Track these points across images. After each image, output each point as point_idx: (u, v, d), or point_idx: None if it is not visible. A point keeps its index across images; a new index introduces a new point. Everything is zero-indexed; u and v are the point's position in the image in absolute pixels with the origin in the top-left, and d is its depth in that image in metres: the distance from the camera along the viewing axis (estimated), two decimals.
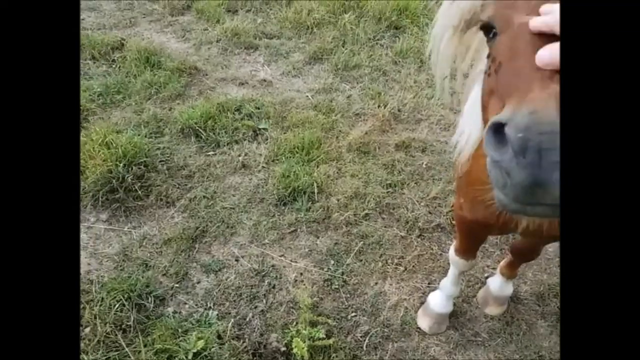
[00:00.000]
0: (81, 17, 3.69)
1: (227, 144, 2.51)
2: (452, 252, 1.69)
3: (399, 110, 2.95)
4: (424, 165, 2.59)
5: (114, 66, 3.06)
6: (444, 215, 2.31)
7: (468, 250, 1.62)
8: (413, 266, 2.09)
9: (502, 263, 1.84)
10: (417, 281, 2.04)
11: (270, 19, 3.68)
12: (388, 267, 2.07)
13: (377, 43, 3.53)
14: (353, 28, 3.55)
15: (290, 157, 2.47)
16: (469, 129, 1.17)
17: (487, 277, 2.02)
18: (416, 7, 3.87)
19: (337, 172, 2.47)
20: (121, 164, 2.16)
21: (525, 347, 1.80)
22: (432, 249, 2.17)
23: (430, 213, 2.33)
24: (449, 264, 2.11)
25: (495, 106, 0.71)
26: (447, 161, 2.62)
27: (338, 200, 2.31)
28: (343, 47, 3.43)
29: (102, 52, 3.13)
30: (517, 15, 0.71)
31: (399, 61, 3.38)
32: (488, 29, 0.81)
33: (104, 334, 1.62)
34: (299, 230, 2.16)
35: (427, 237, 2.23)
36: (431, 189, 2.44)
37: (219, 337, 1.68)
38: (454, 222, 2.28)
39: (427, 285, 2.03)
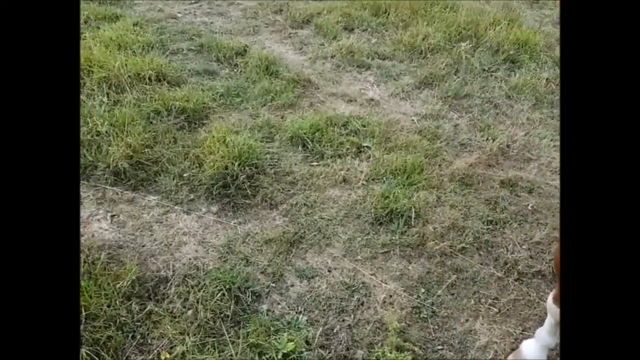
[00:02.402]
0: (210, 21, 4.07)
1: (331, 157, 2.59)
2: (550, 300, 1.60)
3: (507, 146, 2.84)
4: (529, 207, 2.46)
5: (235, 70, 3.32)
6: (545, 262, 2.17)
7: None
8: (507, 310, 1.98)
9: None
10: (510, 326, 1.93)
11: (385, 40, 3.75)
12: (481, 305, 1.98)
13: (491, 75, 3.44)
14: (468, 57, 3.50)
15: (391, 178, 2.48)
16: None
17: None
18: (536, 42, 3.72)
19: (437, 201, 2.43)
20: (236, 163, 2.33)
21: None
22: (529, 295, 2.05)
23: (531, 257, 2.20)
24: (546, 313, 1.98)
25: None
26: (555, 206, 2.47)
27: (435, 228, 2.28)
28: (455, 75, 3.39)
29: (226, 56, 3.41)
30: None
31: (513, 96, 3.26)
32: None
33: (205, 319, 1.74)
34: (392, 252, 2.16)
35: (526, 282, 2.10)
36: (535, 233, 2.31)
37: (307, 342, 1.72)
38: (555, 271, 2.13)
39: (520, 331, 1.91)
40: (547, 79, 3.40)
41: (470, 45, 3.59)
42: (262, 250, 2.08)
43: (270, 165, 2.49)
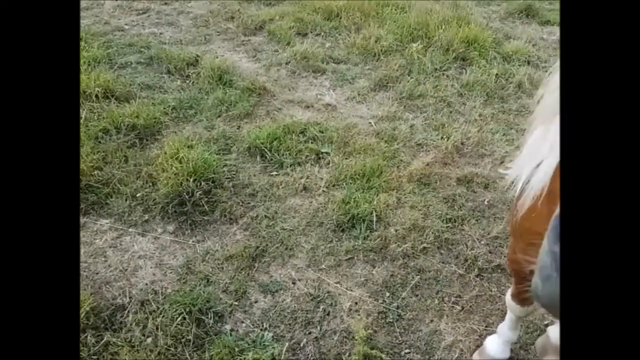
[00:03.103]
0: (159, 31, 3.96)
1: (290, 165, 2.57)
2: (508, 297, 1.64)
3: (462, 144, 2.90)
4: (485, 202, 2.52)
5: (187, 81, 3.24)
6: (504, 256, 2.23)
7: (524, 294, 1.57)
8: (470, 306, 2.02)
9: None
10: (474, 323, 1.97)
11: (339, 44, 3.76)
12: (444, 305, 2.01)
13: (443, 74, 3.50)
14: (420, 57, 3.55)
15: (351, 183, 2.49)
16: (527, 171, 1.16)
17: (546, 325, 1.92)
18: (485, 39, 3.82)
19: (397, 202, 2.45)
20: (191, 179, 2.27)
21: None
22: (491, 290, 2.09)
23: (490, 252, 2.26)
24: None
25: None
26: (511, 200, 2.54)
27: (396, 231, 2.29)
28: (409, 75, 3.44)
29: (177, 67, 3.32)
30: None
31: (465, 93, 3.34)
32: None
33: (165, 346, 1.68)
34: (355, 258, 2.16)
35: (487, 277, 2.15)
36: (492, 228, 2.36)
37: (274, 359, 1.69)
38: (508, 268, 2.19)
39: (484, 327, 1.95)
40: (496, 74, 3.50)
41: (422, 46, 3.65)
42: (223, 268, 2.03)
43: (228, 178, 2.44)
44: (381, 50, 3.61)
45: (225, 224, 2.23)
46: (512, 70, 3.59)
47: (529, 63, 3.80)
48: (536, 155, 1.12)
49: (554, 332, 1.81)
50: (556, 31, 4.54)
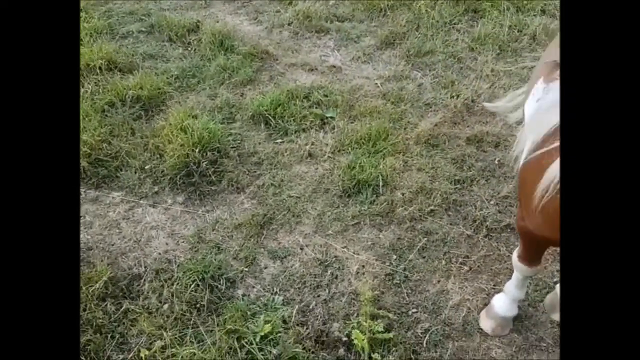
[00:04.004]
0: None
1: (295, 132, 2.55)
2: (515, 258, 1.65)
3: (472, 101, 2.82)
4: (496, 162, 2.49)
5: (189, 49, 3.19)
6: (514, 215, 2.22)
7: (532, 257, 1.59)
8: (478, 266, 2.04)
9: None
10: (481, 282, 1.99)
11: (343, 1, 3.62)
12: (452, 265, 2.04)
13: (453, 27, 3.36)
14: (428, 11, 3.41)
15: (356, 148, 2.47)
16: (530, 138, 1.16)
17: (555, 282, 1.93)
18: None
19: (404, 165, 2.44)
20: (197, 149, 2.28)
21: None
22: (499, 249, 2.10)
23: (500, 212, 2.25)
24: None
25: None
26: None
27: (403, 194, 2.29)
28: (417, 31, 3.31)
29: (178, 35, 3.26)
30: None
31: (476, 48, 3.21)
32: None
33: (180, 312, 1.76)
34: (362, 223, 2.18)
35: (495, 237, 2.15)
36: (502, 187, 2.34)
37: (284, 322, 1.76)
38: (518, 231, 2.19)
39: (492, 286, 1.98)
40: (509, 26, 3.34)
41: None
42: (232, 236, 2.08)
43: (233, 147, 2.45)
44: (387, 5, 3.46)
45: (232, 193, 2.26)
46: (526, 21, 3.42)
47: (544, 12, 3.61)
48: (535, 126, 1.12)
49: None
50: None
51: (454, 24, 3.39)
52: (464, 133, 2.63)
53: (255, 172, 2.36)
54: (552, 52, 1.56)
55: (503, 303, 1.77)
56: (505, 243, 2.12)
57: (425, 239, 2.12)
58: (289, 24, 3.37)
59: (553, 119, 1.06)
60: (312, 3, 3.50)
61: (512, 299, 1.76)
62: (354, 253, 2.06)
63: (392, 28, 3.30)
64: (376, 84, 2.94)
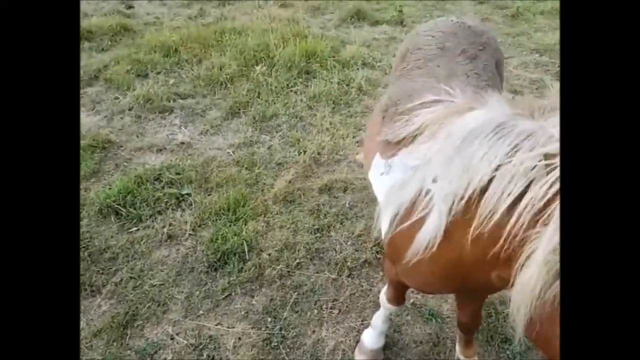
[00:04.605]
0: None
1: (150, 216, 2.49)
2: (383, 298, 1.78)
3: (318, 154, 3.09)
4: (347, 205, 2.72)
5: None
6: (369, 251, 2.43)
7: (399, 299, 1.75)
8: (347, 306, 2.17)
9: (459, 348, 1.87)
10: (351, 321, 2.12)
11: (183, 79, 3.73)
12: (323, 312, 2.14)
13: (290, 90, 3.68)
14: (266, 79, 3.69)
15: (217, 219, 2.50)
16: (390, 211, 1.26)
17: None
18: (323, 49, 4.11)
19: (266, 226, 2.53)
20: None
21: None
22: (362, 285, 2.27)
23: (357, 251, 2.45)
24: (378, 297, 2.23)
25: None
26: (367, 197, 2.77)
27: (269, 254, 2.37)
28: (259, 98, 3.55)
29: None
30: None
31: (313, 105, 3.55)
32: None
33: None
34: (233, 293, 2.18)
35: (356, 274, 2.33)
36: (356, 227, 2.56)
37: None
38: (379, 256, 2.41)
39: (360, 323, 2.11)
40: (338, 82, 3.78)
41: (266, 67, 3.79)
42: (92, 346, 1.91)
43: (83, 247, 2.29)
44: (227, 78, 3.67)
45: (87, 298, 2.09)
46: (351, 75, 3.91)
47: (365, 65, 4.18)
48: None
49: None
50: (386, 30, 5.03)
51: (291, 87, 3.72)
52: (316, 184, 2.84)
53: (110, 268, 2.22)
54: (374, 128, 1.64)
55: (371, 337, 1.90)
56: (365, 278, 2.31)
57: (296, 293, 2.20)
58: (129, 109, 3.35)
59: (407, 194, 1.17)
60: (152, 86, 3.54)
61: (380, 332, 1.89)
62: (228, 327, 2.04)
63: (235, 98, 3.49)
64: (228, 152, 3.05)
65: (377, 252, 2.41)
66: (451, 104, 1.30)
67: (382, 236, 1.39)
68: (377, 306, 2.18)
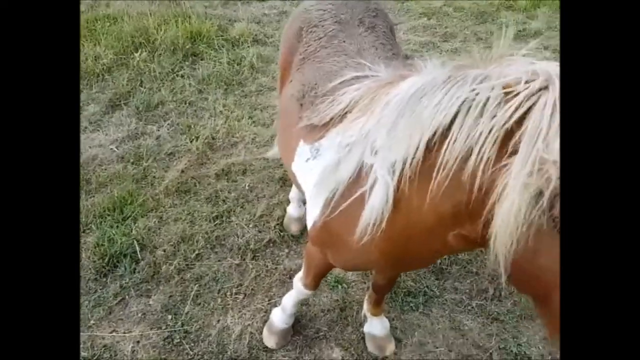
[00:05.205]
0: None
1: None
2: (298, 284, 1.72)
3: (213, 139, 2.96)
4: (247, 187, 2.66)
5: None
6: (272, 230, 2.41)
7: (316, 284, 1.70)
8: (252, 289, 2.14)
9: (367, 306, 1.89)
10: (257, 302, 2.09)
11: None
12: (228, 299, 2.09)
13: (177, 75, 3.48)
14: (148, 65, 3.44)
15: (101, 222, 2.32)
16: (323, 194, 1.21)
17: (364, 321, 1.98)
18: (209, 29, 3.91)
19: (159, 222, 2.40)
20: None
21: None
22: (267, 266, 2.25)
23: (260, 232, 2.41)
24: (284, 275, 2.22)
25: None
26: (267, 177, 2.73)
27: (164, 250, 2.25)
28: (142, 87, 3.31)
29: None
30: None
31: (204, 89, 3.39)
32: None
33: None
34: (127, 297, 2.05)
35: (260, 255, 2.29)
36: (257, 209, 2.51)
37: None
38: (282, 233, 2.39)
39: (267, 302, 2.08)
40: (228, 62, 3.64)
41: (147, 52, 3.54)
42: None
43: None
44: (103, 69, 3.37)
45: None
46: (242, 54, 3.78)
47: (257, 42, 4.06)
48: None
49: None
50: (277, 5, 4.92)
51: (177, 71, 3.51)
52: (212, 170, 2.73)
53: None
54: (289, 118, 1.51)
55: (281, 318, 1.87)
56: (270, 258, 2.29)
57: (197, 285, 2.12)
58: None
59: (345, 172, 1.10)
60: None
61: (290, 314, 1.87)
62: (124, 333, 1.92)
63: (114, 90, 3.22)
64: (111, 149, 2.83)
65: (280, 231, 2.38)
66: (379, 78, 1.26)
67: (310, 224, 1.31)
68: (283, 284, 2.18)
